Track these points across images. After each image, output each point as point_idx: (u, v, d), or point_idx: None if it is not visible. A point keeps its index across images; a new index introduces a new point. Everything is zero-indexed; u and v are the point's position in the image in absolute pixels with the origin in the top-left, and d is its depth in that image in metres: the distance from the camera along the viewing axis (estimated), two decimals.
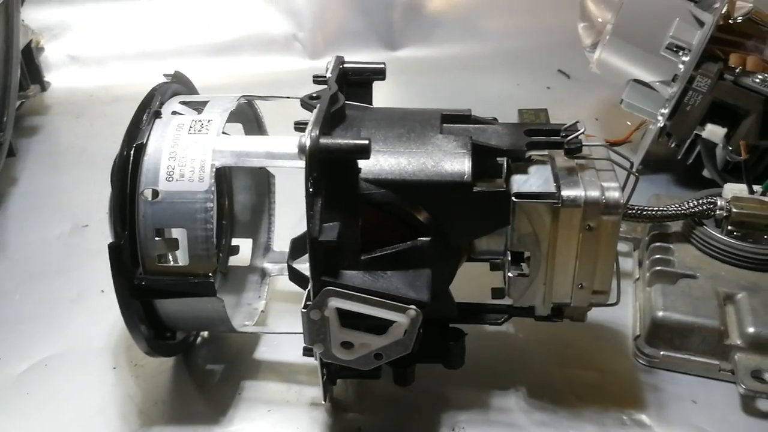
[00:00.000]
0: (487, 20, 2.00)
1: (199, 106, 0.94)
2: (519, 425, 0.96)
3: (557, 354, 1.05)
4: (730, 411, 0.98)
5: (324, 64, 0.98)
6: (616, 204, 0.85)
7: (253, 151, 0.89)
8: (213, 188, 0.86)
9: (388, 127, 0.90)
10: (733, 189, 1.15)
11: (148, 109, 0.92)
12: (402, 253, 0.85)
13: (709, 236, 1.11)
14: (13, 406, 1.00)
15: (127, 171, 0.87)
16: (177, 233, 0.92)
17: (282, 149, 0.87)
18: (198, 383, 1.03)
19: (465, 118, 0.94)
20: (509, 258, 0.89)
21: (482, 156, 0.88)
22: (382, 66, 0.98)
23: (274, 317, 1.12)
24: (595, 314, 0.96)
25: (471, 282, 0.99)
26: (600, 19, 1.43)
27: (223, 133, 0.90)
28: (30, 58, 1.65)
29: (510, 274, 0.89)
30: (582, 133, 0.88)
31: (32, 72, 1.66)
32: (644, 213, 1.10)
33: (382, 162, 0.86)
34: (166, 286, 0.89)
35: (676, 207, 1.11)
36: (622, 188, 0.87)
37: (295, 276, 0.95)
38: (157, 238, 0.87)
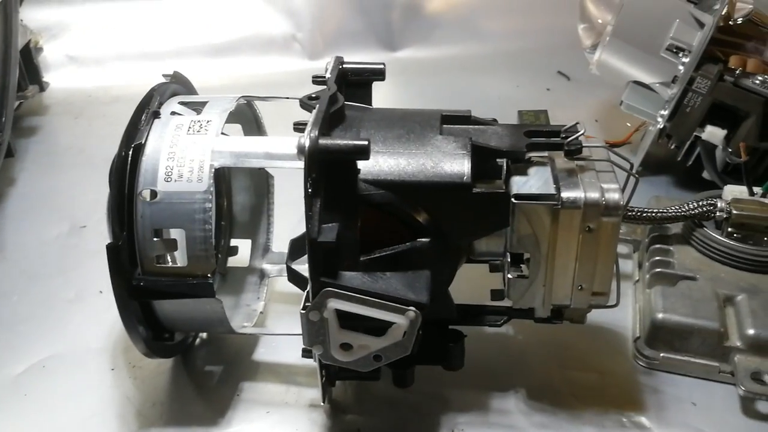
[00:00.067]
0: (487, 21, 2.00)
1: (198, 107, 0.94)
2: (518, 427, 0.96)
3: (557, 356, 1.05)
4: (729, 413, 0.98)
5: (323, 65, 0.97)
6: (616, 205, 0.85)
7: (252, 152, 0.89)
8: (212, 189, 0.86)
9: (387, 128, 0.90)
10: (733, 191, 1.15)
11: (147, 110, 0.91)
12: (401, 254, 0.85)
13: (709, 238, 1.11)
14: (11, 407, 1.00)
15: (125, 171, 0.87)
16: (175, 234, 0.92)
17: (281, 150, 0.87)
18: (196, 384, 1.03)
19: (465, 119, 0.93)
20: (509, 259, 0.89)
21: (482, 157, 0.88)
22: (382, 66, 0.98)
23: (273, 318, 1.11)
24: (595, 316, 0.96)
25: (470, 283, 0.98)
26: (600, 21, 1.42)
27: (222, 133, 0.90)
28: (28, 58, 1.64)
29: (509, 276, 0.89)
30: (582, 134, 0.88)
31: (31, 72, 1.66)
32: (644, 215, 1.09)
33: (382, 163, 0.86)
34: (165, 287, 0.88)
35: (676, 209, 1.11)
36: (622, 190, 0.86)
37: (294, 277, 0.95)
38: (155, 239, 0.87)
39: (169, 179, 0.86)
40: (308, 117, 0.84)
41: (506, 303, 0.94)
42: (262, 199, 1.15)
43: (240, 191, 1.15)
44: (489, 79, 1.83)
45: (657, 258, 1.11)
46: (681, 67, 1.27)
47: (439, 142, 0.88)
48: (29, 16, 1.70)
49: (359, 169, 0.83)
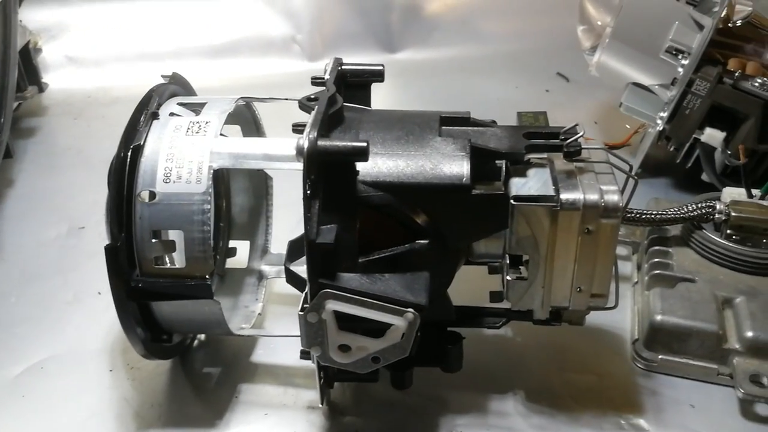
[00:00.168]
0: (486, 23, 2.00)
1: (196, 108, 0.94)
2: (517, 429, 0.96)
3: (555, 358, 1.05)
4: (728, 415, 0.98)
5: (322, 66, 0.97)
6: (615, 207, 0.85)
7: (251, 153, 0.88)
8: (210, 190, 0.86)
9: (386, 130, 0.90)
10: (732, 193, 1.15)
11: (146, 111, 0.91)
12: (400, 256, 0.85)
13: (707, 240, 1.11)
14: (9, 408, 1.00)
15: (124, 172, 0.86)
16: (174, 235, 0.92)
17: (280, 151, 0.87)
18: (195, 386, 1.02)
19: (464, 120, 0.93)
20: (507, 261, 0.89)
21: (481, 159, 0.88)
22: (381, 68, 0.98)
23: (271, 320, 1.11)
24: (594, 318, 0.96)
25: (469, 285, 0.98)
26: (599, 22, 1.43)
27: (221, 134, 0.90)
28: (28, 59, 1.64)
29: (508, 278, 0.89)
30: (581, 136, 0.88)
31: (30, 73, 1.66)
32: (643, 216, 1.09)
33: (381, 164, 0.86)
34: (163, 288, 0.88)
35: (675, 211, 1.11)
36: (621, 191, 0.86)
37: (293, 278, 0.95)
38: (153, 240, 0.87)
39: (167, 180, 0.86)
40: (307, 118, 0.84)
41: (505, 305, 0.94)
42: (260, 200, 1.15)
43: (239, 192, 1.15)
44: (488, 81, 1.83)
45: (656, 260, 1.11)
46: (680, 69, 1.27)
47: (438, 144, 0.88)
48: (28, 17, 1.69)
49: (358, 171, 0.83)
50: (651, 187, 1.39)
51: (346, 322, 0.83)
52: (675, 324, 1.01)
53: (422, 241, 0.86)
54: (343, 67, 0.97)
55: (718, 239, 1.10)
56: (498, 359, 1.05)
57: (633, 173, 0.91)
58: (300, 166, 0.79)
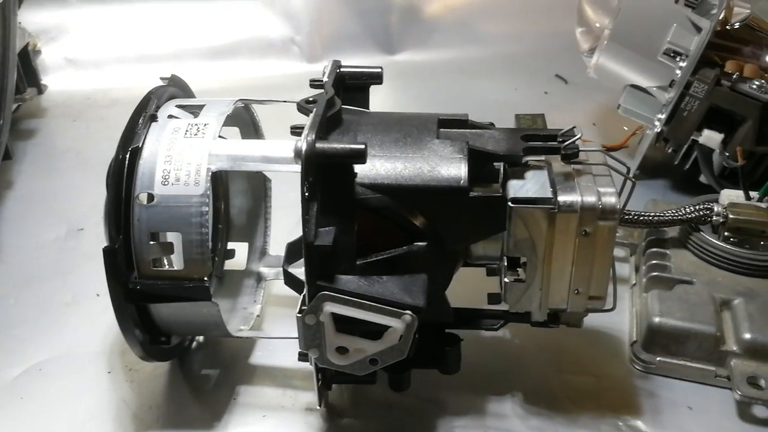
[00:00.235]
0: (485, 25, 2.00)
1: (195, 110, 0.94)
2: (515, 431, 0.96)
3: (553, 360, 1.05)
4: (725, 417, 0.98)
5: (321, 68, 0.97)
6: (613, 209, 0.85)
7: (249, 155, 0.88)
8: (209, 192, 0.86)
9: (384, 132, 0.90)
10: (730, 195, 1.15)
11: (144, 113, 0.91)
12: (398, 258, 0.85)
13: (705, 242, 1.11)
14: (7, 410, 1.00)
15: (122, 175, 0.87)
16: (172, 237, 0.92)
17: (278, 153, 0.87)
18: (193, 388, 1.02)
19: (462, 122, 0.93)
20: (505, 263, 0.89)
21: (479, 161, 0.88)
22: (379, 70, 0.98)
23: (270, 322, 1.11)
24: (592, 320, 0.96)
25: (467, 287, 0.98)
26: (597, 24, 1.43)
27: (220, 136, 0.90)
28: (27, 60, 1.64)
29: (506, 280, 0.89)
30: (579, 138, 0.88)
31: (29, 75, 1.66)
32: (641, 218, 1.09)
33: (379, 167, 0.86)
34: (161, 290, 0.88)
35: (672, 213, 1.11)
36: (619, 194, 0.87)
37: (291, 280, 0.95)
38: (152, 242, 0.87)
39: (166, 183, 0.86)
40: (305, 121, 0.84)
41: (503, 307, 0.94)
42: (259, 202, 1.15)
43: (237, 194, 1.15)
44: (487, 83, 1.83)
45: (654, 262, 1.11)
46: (678, 72, 1.27)
47: (436, 146, 0.88)
48: (27, 19, 1.69)
49: (356, 173, 0.83)
50: (649, 189, 1.39)
51: (343, 324, 0.83)
52: (673, 326, 1.02)
53: (420, 244, 0.86)
54: (342, 69, 0.97)
55: (715, 241, 1.10)
56: (496, 361, 1.05)
57: (631, 175, 0.91)
58: (298, 168, 0.79)
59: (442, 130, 0.92)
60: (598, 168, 0.89)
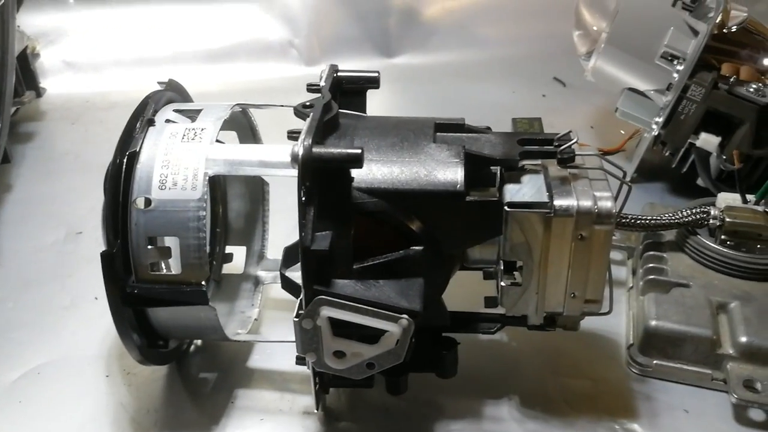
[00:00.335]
0: (484, 28, 2.00)
1: (192, 115, 0.94)
2: None
3: (550, 363, 1.05)
4: (722, 420, 0.98)
5: (320, 71, 0.97)
6: (609, 214, 0.85)
7: (246, 160, 0.89)
8: (206, 197, 0.86)
9: (381, 136, 0.90)
10: (727, 198, 1.15)
11: (142, 117, 0.91)
12: (394, 262, 0.85)
13: (702, 245, 1.11)
14: (6, 414, 1.00)
15: (119, 179, 0.87)
16: (170, 241, 0.92)
17: (275, 158, 0.87)
18: (191, 392, 1.03)
19: (458, 127, 0.94)
20: (502, 267, 0.90)
21: (475, 165, 0.88)
22: (376, 75, 0.98)
23: (268, 325, 1.12)
24: (589, 323, 0.96)
25: (464, 290, 0.98)
26: (595, 28, 1.43)
27: (217, 141, 0.91)
28: (25, 64, 1.64)
29: (503, 284, 0.89)
30: (575, 142, 0.88)
31: (28, 78, 1.66)
32: (638, 222, 1.09)
33: (375, 171, 0.86)
34: (159, 294, 0.88)
35: (669, 216, 1.11)
36: (615, 198, 0.87)
37: (288, 285, 0.95)
38: (149, 247, 0.87)
39: (163, 187, 0.86)
40: (303, 125, 0.85)
41: (499, 310, 0.95)
42: (257, 205, 1.15)
43: (235, 198, 1.15)
44: (485, 85, 1.84)
45: (650, 265, 1.12)
46: (675, 75, 1.28)
47: (432, 151, 0.88)
48: (26, 22, 1.69)
49: (353, 178, 0.84)
50: (646, 192, 1.39)
51: (340, 328, 0.83)
52: (669, 329, 1.02)
53: (417, 248, 0.86)
54: (339, 73, 0.97)
55: (712, 244, 1.11)
56: (493, 364, 1.05)
57: (628, 178, 0.92)
58: (295, 172, 0.79)
59: (438, 134, 0.92)
60: (595, 172, 0.89)
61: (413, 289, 0.85)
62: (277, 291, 1.12)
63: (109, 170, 0.89)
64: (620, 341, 1.09)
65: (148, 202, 0.86)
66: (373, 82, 0.98)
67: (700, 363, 1.02)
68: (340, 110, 0.92)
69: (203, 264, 0.87)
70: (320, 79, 0.95)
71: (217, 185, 1.13)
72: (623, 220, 1.08)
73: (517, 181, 0.89)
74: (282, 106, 0.98)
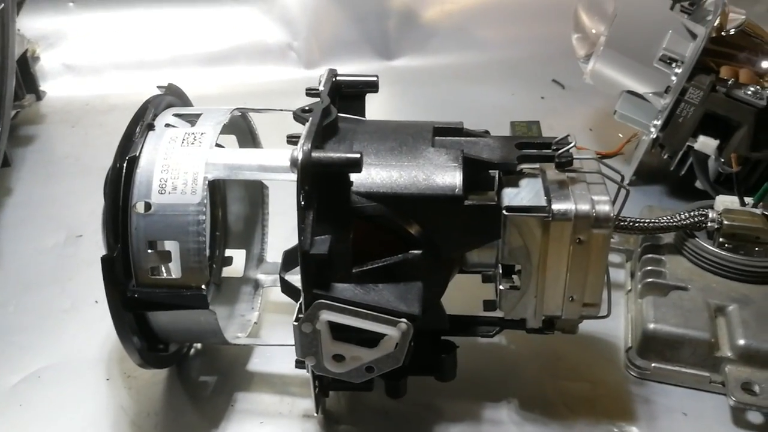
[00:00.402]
0: (483, 30, 2.00)
1: (192, 119, 0.95)
2: None
3: (549, 366, 1.06)
4: (720, 423, 0.98)
5: (319, 73, 0.98)
6: (607, 218, 0.85)
7: (246, 164, 0.89)
8: (206, 201, 0.87)
9: (380, 141, 0.91)
10: (725, 201, 1.16)
11: (142, 122, 0.92)
12: (393, 266, 0.86)
13: (700, 248, 1.11)
14: (6, 417, 1.01)
15: (119, 184, 0.87)
16: (170, 246, 0.92)
17: (274, 162, 0.87)
18: (191, 395, 1.03)
19: (457, 131, 0.94)
20: (500, 271, 0.90)
21: (474, 169, 0.88)
22: (375, 79, 0.99)
23: (267, 328, 1.12)
24: (587, 326, 0.97)
25: (463, 293, 0.99)
26: (593, 31, 1.43)
27: (217, 145, 0.91)
28: (25, 67, 1.65)
29: (501, 287, 0.90)
30: (573, 146, 0.89)
31: (28, 81, 1.66)
32: (636, 225, 1.10)
33: (374, 175, 0.86)
34: (159, 298, 0.89)
35: (668, 219, 1.11)
36: (613, 201, 0.87)
37: (288, 288, 0.96)
38: (149, 251, 0.87)
39: (163, 191, 0.87)
40: (302, 129, 0.85)
41: (498, 314, 0.95)
42: (256, 209, 1.16)
43: (235, 201, 1.16)
44: (484, 88, 1.84)
45: (649, 268, 1.12)
46: (674, 78, 1.28)
47: (431, 155, 0.89)
48: (26, 25, 1.70)
49: (352, 182, 0.84)
50: (645, 195, 1.39)
51: (340, 332, 0.83)
52: (668, 332, 1.02)
53: (415, 252, 0.86)
54: (338, 78, 0.98)
55: (710, 247, 1.11)
56: (492, 367, 1.06)
57: (627, 181, 0.92)
58: (294, 177, 0.80)
59: (437, 138, 0.92)
60: (593, 176, 0.90)
61: (412, 292, 0.85)
62: (276, 294, 1.12)
63: (109, 175, 0.89)
64: (619, 344, 1.09)
65: (148, 206, 0.87)
66: (372, 87, 0.99)
67: (699, 366, 1.02)
68: (339, 114, 0.93)
69: (203, 268, 0.88)
70: (319, 84, 0.95)
71: (216, 189, 1.13)
72: (621, 223, 1.08)
73: (515, 185, 0.89)
74: (281, 110, 0.98)
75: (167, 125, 0.93)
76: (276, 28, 1.96)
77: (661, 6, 1.33)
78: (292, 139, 0.89)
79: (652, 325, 1.03)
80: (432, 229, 0.87)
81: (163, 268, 0.96)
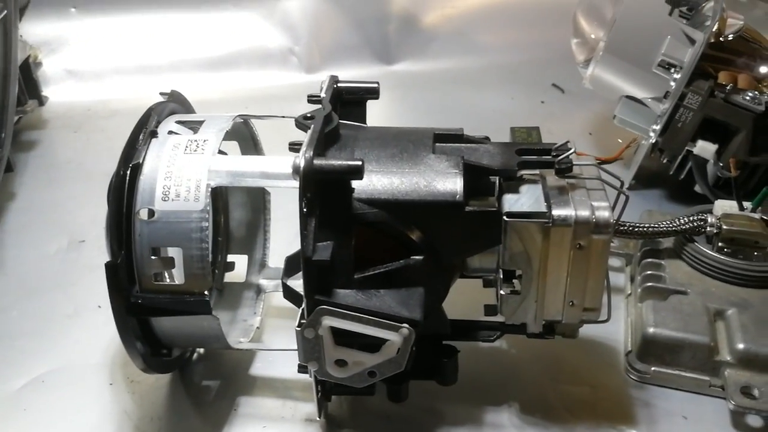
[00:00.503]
0: (483, 35, 2.01)
1: (195, 126, 0.95)
2: None
3: (549, 370, 1.06)
4: (720, 427, 0.99)
5: (320, 78, 0.98)
6: (606, 223, 0.86)
7: (248, 171, 0.90)
8: (208, 208, 0.87)
9: (381, 147, 0.91)
10: (724, 206, 1.16)
11: (145, 129, 0.92)
12: (395, 272, 0.86)
13: (699, 252, 1.12)
14: (10, 422, 1.01)
15: (123, 190, 0.88)
16: (173, 252, 0.93)
17: (276, 169, 0.88)
18: (194, 399, 1.03)
19: (457, 137, 0.95)
20: (501, 276, 0.90)
21: (474, 175, 0.89)
22: (376, 86, 0.99)
23: (270, 333, 1.12)
24: (587, 330, 0.97)
25: (464, 298, 0.99)
26: (593, 36, 1.44)
27: (220, 151, 0.92)
28: (28, 73, 1.66)
29: (502, 292, 0.90)
30: (572, 152, 0.89)
31: (30, 87, 1.67)
32: (636, 229, 1.10)
33: (376, 182, 0.87)
34: (162, 304, 0.89)
35: (667, 223, 1.12)
36: (613, 207, 0.88)
37: (290, 294, 0.96)
38: (153, 257, 0.88)
39: (166, 198, 0.87)
40: (304, 136, 0.86)
41: (499, 318, 0.95)
42: (258, 214, 1.16)
43: (237, 207, 1.16)
44: (484, 92, 1.85)
45: (648, 272, 1.12)
46: (672, 83, 1.29)
47: (431, 161, 0.90)
48: (28, 31, 1.71)
49: (353, 189, 0.85)
50: (644, 199, 1.40)
51: (342, 337, 0.84)
52: (667, 336, 1.03)
53: (417, 257, 0.87)
54: (339, 84, 0.98)
55: (709, 252, 1.11)
56: (493, 372, 1.06)
57: (626, 186, 0.92)
58: (296, 184, 0.80)
59: (437, 144, 0.93)
60: (592, 182, 0.90)
61: (414, 298, 0.86)
62: (278, 299, 1.12)
63: (112, 182, 0.89)
64: (619, 348, 1.10)
65: (151, 213, 0.87)
66: (373, 93, 1.00)
67: (698, 370, 1.02)
68: (341, 121, 0.93)
69: (206, 274, 0.88)
70: (321, 90, 0.96)
71: (218, 195, 1.14)
72: (621, 228, 1.09)
73: (515, 191, 0.90)
74: (283, 117, 0.99)
75: (170, 132, 0.93)
76: (277, 33, 1.96)
77: (659, 11, 1.33)
78: (294, 147, 0.90)
79: (651, 329, 1.03)
80: (433, 235, 0.87)
81: (166, 274, 0.97)
